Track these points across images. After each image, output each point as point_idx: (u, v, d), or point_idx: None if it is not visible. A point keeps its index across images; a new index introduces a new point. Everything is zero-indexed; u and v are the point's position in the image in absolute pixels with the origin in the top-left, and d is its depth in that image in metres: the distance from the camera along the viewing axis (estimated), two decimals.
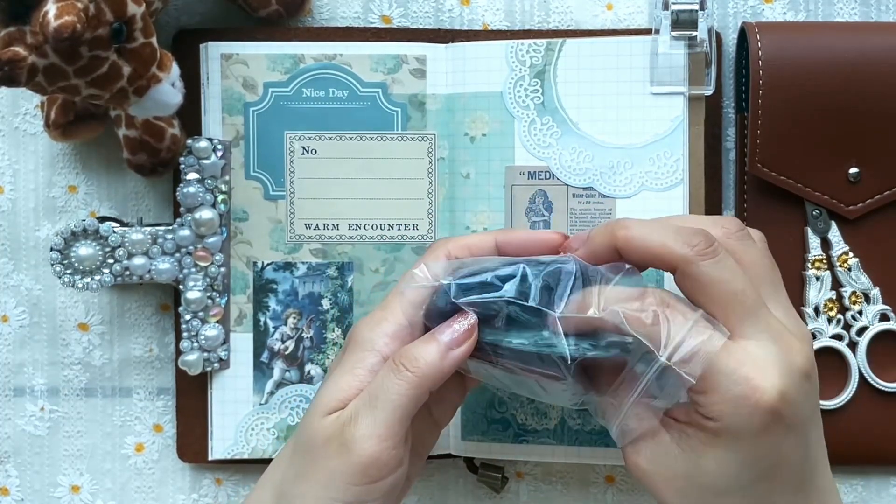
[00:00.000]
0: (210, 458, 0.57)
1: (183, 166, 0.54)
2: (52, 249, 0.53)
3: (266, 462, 0.56)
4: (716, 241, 0.44)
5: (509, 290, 0.45)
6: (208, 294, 0.56)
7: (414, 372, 0.44)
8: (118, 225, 0.54)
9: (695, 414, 0.44)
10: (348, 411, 0.45)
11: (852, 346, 0.57)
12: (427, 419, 0.49)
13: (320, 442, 0.44)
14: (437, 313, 0.46)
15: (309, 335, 0.57)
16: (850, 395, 0.57)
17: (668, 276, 0.54)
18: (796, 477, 0.45)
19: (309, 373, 0.57)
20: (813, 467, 0.46)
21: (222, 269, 0.55)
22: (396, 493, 0.45)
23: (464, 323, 0.45)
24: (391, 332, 0.46)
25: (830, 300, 0.57)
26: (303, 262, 0.57)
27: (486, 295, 0.45)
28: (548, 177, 0.56)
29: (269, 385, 0.57)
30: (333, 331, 0.57)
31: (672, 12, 0.54)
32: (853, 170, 0.56)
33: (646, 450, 0.46)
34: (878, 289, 0.57)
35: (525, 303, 0.45)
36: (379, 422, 0.44)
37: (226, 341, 0.56)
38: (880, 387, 0.57)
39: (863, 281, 0.57)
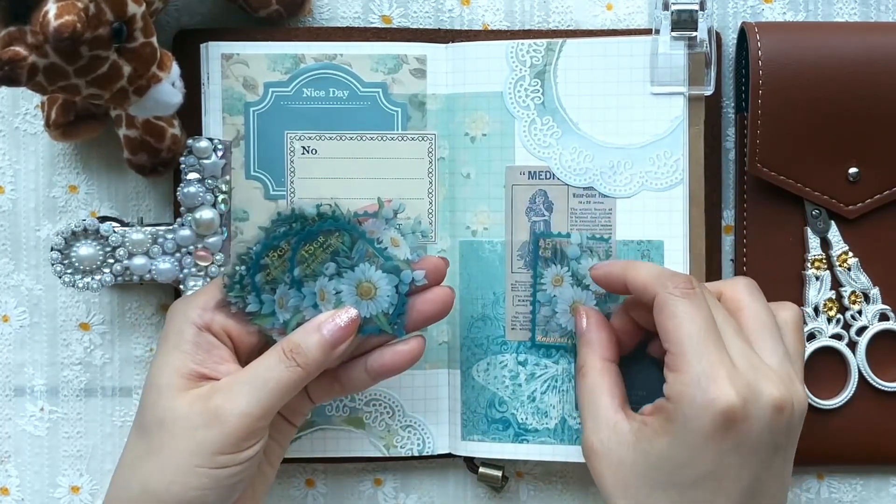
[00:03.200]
0: None
1: (183, 166, 0.54)
2: (52, 249, 0.53)
3: None
4: (698, 288, 0.48)
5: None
6: None
7: (302, 366, 0.48)
8: (118, 225, 0.54)
9: (660, 400, 0.48)
10: (221, 388, 0.47)
11: (852, 345, 0.57)
12: (302, 395, 0.52)
13: (181, 417, 0.47)
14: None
15: None
16: (850, 394, 0.57)
17: None
18: (734, 499, 0.46)
19: None
20: (754, 497, 0.47)
21: (223, 270, 0.55)
22: (259, 457, 0.48)
23: (344, 316, 0.48)
24: (203, 304, 0.49)
25: (830, 300, 0.57)
26: None
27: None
28: (548, 177, 0.56)
29: None
30: None
31: (672, 12, 0.54)
32: (853, 169, 0.56)
33: (602, 434, 0.49)
34: (877, 288, 0.57)
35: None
36: (260, 402, 0.47)
37: None
38: (880, 386, 0.57)
39: (862, 280, 0.57)
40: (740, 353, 0.47)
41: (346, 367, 0.51)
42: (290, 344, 0.48)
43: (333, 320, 0.48)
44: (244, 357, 0.50)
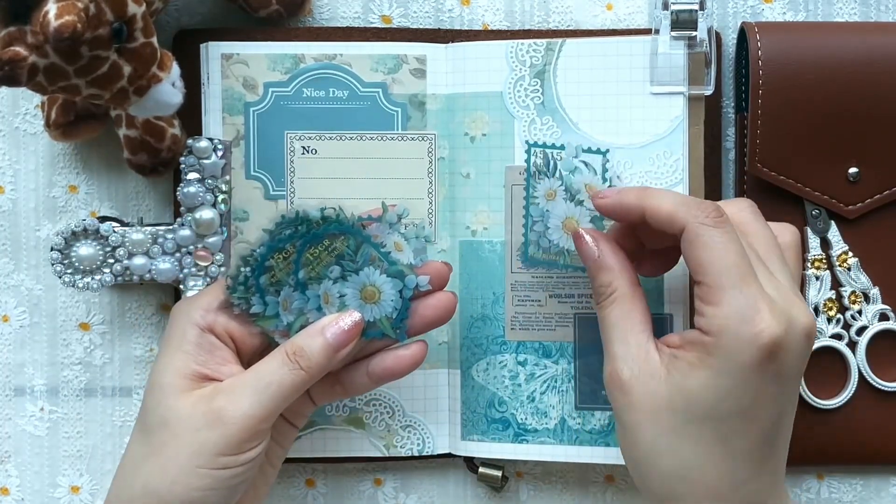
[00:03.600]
0: None
1: (183, 166, 0.54)
2: (52, 249, 0.53)
3: None
4: (725, 216, 0.46)
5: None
6: None
7: (305, 369, 0.48)
8: (118, 225, 0.54)
9: (692, 332, 0.46)
10: (224, 389, 0.47)
11: (852, 345, 0.57)
12: (304, 397, 0.52)
13: (184, 417, 0.47)
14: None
15: None
16: (850, 394, 0.57)
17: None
18: (765, 430, 0.46)
19: None
20: (778, 429, 0.46)
21: (223, 269, 0.55)
22: (261, 458, 0.48)
23: (347, 320, 0.48)
24: (206, 305, 0.49)
25: (830, 300, 0.57)
26: None
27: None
28: None
29: None
30: None
31: (672, 12, 0.54)
32: (853, 169, 0.56)
33: (633, 364, 0.47)
34: (877, 288, 0.57)
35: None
36: (263, 405, 0.47)
37: None
38: (880, 386, 0.57)
39: (862, 280, 0.57)
40: (768, 282, 0.46)
41: (348, 369, 0.51)
42: (293, 347, 0.48)
43: (337, 324, 0.48)
44: (247, 358, 0.50)
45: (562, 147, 0.53)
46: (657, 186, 0.55)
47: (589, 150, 0.53)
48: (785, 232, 0.51)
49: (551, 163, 0.53)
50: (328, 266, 0.49)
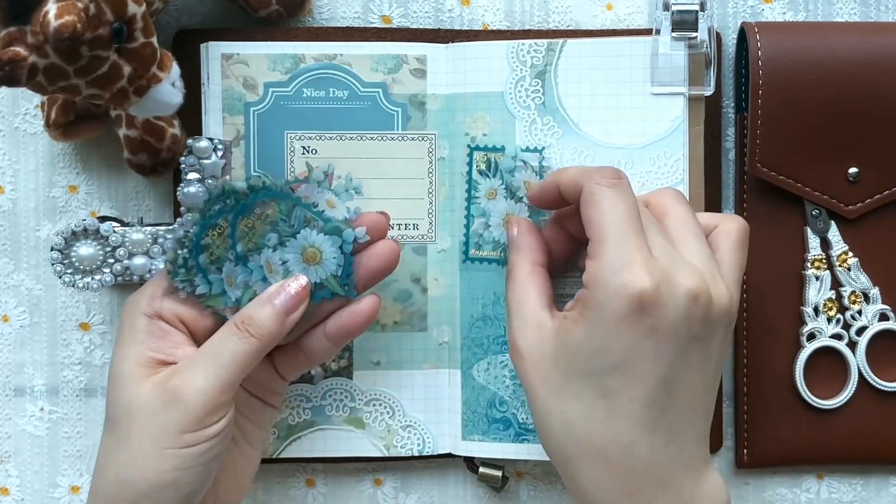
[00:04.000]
0: None
1: (183, 166, 0.54)
2: (52, 249, 0.53)
3: (266, 461, 0.56)
4: (623, 180, 0.48)
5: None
6: None
7: (257, 336, 0.48)
8: (119, 225, 0.54)
9: (580, 290, 0.47)
10: (179, 370, 0.48)
11: (852, 345, 0.57)
12: (270, 371, 0.52)
13: (144, 403, 0.47)
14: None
15: None
16: (850, 394, 0.57)
17: None
18: (649, 390, 0.46)
19: (309, 372, 0.56)
20: (668, 392, 0.46)
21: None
22: (228, 433, 0.48)
23: (294, 284, 0.49)
24: (150, 293, 0.50)
25: (830, 300, 0.57)
26: None
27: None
28: None
29: None
30: None
31: (673, 13, 0.54)
32: (852, 169, 0.56)
33: (528, 333, 0.49)
34: (877, 288, 0.57)
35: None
36: (218, 377, 0.47)
37: None
38: (880, 386, 0.57)
39: (862, 280, 0.57)
40: (660, 247, 0.47)
41: (307, 336, 0.51)
42: (241, 317, 0.48)
43: (284, 289, 0.49)
44: (201, 340, 0.50)
45: (502, 149, 0.55)
46: (658, 187, 0.55)
47: (527, 150, 0.55)
48: (728, 221, 0.51)
49: (492, 164, 0.55)
50: (264, 235, 0.49)
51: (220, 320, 0.50)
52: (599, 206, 0.47)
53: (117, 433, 0.48)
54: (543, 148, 0.55)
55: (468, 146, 0.55)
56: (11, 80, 0.44)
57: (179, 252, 0.50)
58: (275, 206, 0.49)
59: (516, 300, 0.50)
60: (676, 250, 0.47)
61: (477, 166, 0.55)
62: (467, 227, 0.55)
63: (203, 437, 0.47)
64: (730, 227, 0.50)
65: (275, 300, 0.49)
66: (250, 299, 0.49)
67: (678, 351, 0.46)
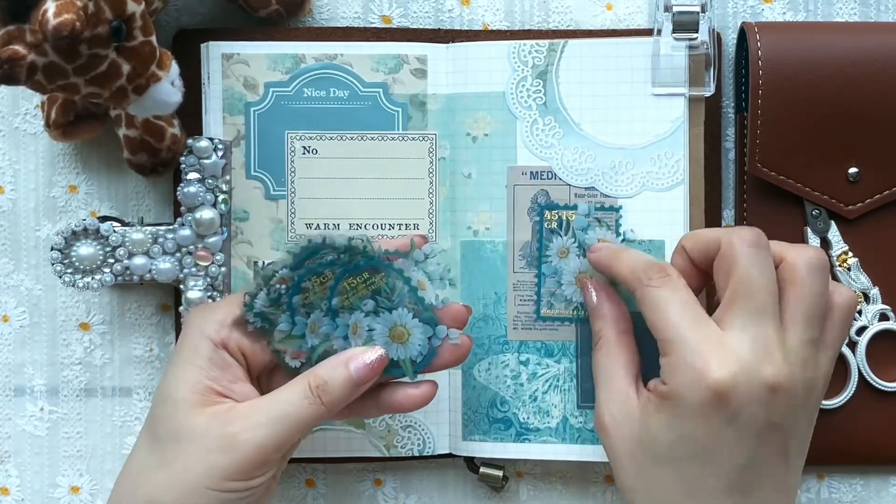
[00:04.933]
0: None
1: (183, 166, 0.54)
2: (52, 249, 0.53)
3: None
4: (672, 274, 0.49)
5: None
6: (209, 294, 0.55)
7: (326, 404, 0.47)
8: (119, 224, 0.54)
9: (657, 380, 0.49)
10: (240, 414, 0.47)
11: (852, 345, 0.57)
12: None
13: (197, 435, 0.47)
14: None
15: None
16: (850, 394, 0.57)
17: None
18: (729, 476, 0.47)
19: None
20: (749, 477, 0.47)
21: (223, 269, 0.55)
22: (269, 482, 0.48)
23: (373, 355, 0.48)
24: (221, 320, 0.49)
25: None
26: None
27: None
28: (550, 177, 0.56)
29: None
30: None
31: (673, 14, 0.54)
32: (852, 169, 0.56)
33: (613, 407, 0.50)
34: (877, 288, 0.57)
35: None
36: (278, 436, 0.47)
37: None
38: (880, 386, 0.57)
39: (862, 280, 0.57)
40: (754, 331, 0.47)
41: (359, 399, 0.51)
42: (317, 379, 0.48)
43: (362, 357, 0.48)
44: (255, 374, 0.50)
45: (574, 207, 0.55)
46: (659, 188, 0.55)
47: (601, 208, 0.55)
48: (838, 294, 0.50)
49: (564, 222, 0.55)
50: (363, 299, 0.49)
51: (279, 362, 0.50)
52: (658, 310, 0.48)
53: (161, 453, 0.47)
54: (620, 206, 0.55)
55: (539, 205, 0.55)
56: (10, 79, 0.43)
57: (264, 289, 0.49)
58: (383, 278, 0.49)
59: (604, 372, 0.51)
60: (764, 331, 0.47)
61: (548, 224, 0.55)
62: (538, 286, 0.55)
63: (246, 486, 0.47)
64: (840, 300, 0.49)
65: (350, 365, 0.48)
66: (325, 352, 0.49)
67: (759, 439, 0.47)
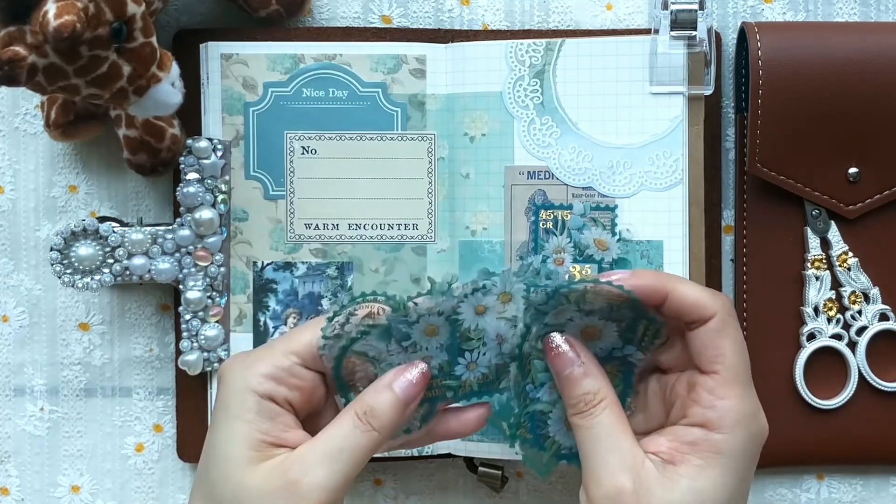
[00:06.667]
0: None
1: (183, 166, 0.54)
2: (52, 249, 0.53)
3: None
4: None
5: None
6: (208, 294, 0.56)
7: (378, 430, 0.46)
8: (118, 225, 0.54)
9: (692, 433, 0.45)
10: (297, 459, 0.45)
11: (852, 345, 0.57)
12: None
13: (257, 492, 0.44)
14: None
15: None
16: (850, 394, 0.57)
17: None
18: None
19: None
20: None
21: (222, 269, 0.55)
22: None
23: (414, 371, 0.47)
24: (264, 371, 0.46)
25: (830, 300, 0.57)
26: (303, 262, 0.57)
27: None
28: (547, 177, 0.56)
29: None
30: None
31: (671, 12, 0.54)
32: (853, 169, 0.56)
33: (633, 473, 0.45)
34: (877, 288, 0.57)
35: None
36: (340, 473, 0.45)
37: (226, 341, 0.56)
38: (880, 386, 0.57)
39: (862, 280, 0.57)
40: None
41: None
42: (363, 407, 0.46)
43: (404, 376, 0.47)
44: (304, 420, 0.48)
45: (570, 207, 0.55)
46: (657, 187, 0.55)
47: (597, 208, 0.55)
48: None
49: (560, 222, 0.55)
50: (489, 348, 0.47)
51: (324, 403, 0.48)
52: (735, 342, 0.45)
53: None
54: (616, 206, 0.55)
55: (534, 203, 0.55)
56: (11, 80, 0.44)
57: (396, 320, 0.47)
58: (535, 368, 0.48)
59: (614, 434, 0.46)
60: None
61: (544, 224, 0.55)
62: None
63: None
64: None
65: (395, 386, 0.46)
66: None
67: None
